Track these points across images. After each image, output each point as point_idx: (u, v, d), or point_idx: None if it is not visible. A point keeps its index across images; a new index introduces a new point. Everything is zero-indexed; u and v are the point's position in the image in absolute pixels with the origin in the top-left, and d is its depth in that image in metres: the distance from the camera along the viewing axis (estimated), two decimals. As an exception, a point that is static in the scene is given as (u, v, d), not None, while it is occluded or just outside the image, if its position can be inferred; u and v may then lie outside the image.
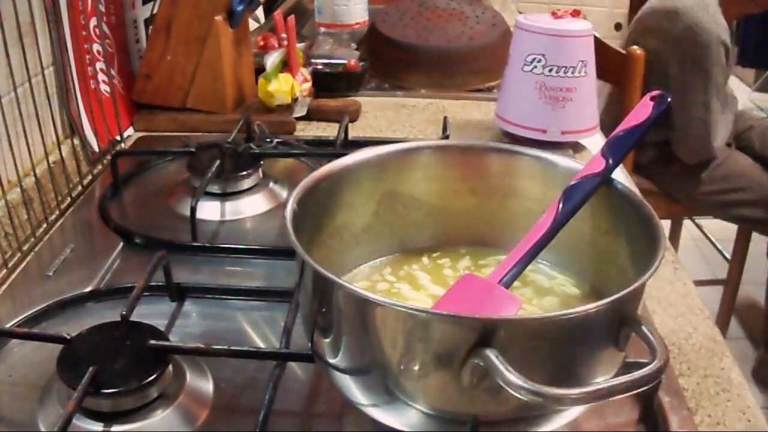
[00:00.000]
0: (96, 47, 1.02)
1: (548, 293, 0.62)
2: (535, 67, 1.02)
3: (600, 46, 1.15)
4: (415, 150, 0.66)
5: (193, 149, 0.96)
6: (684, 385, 0.65)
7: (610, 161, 0.59)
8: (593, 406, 0.59)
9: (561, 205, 0.58)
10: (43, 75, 0.90)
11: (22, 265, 0.80)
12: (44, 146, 0.90)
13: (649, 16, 1.98)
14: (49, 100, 0.91)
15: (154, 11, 1.14)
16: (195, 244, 0.82)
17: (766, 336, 2.13)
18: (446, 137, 1.05)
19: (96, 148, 1.01)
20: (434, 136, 1.12)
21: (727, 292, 2.20)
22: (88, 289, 0.74)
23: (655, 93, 0.61)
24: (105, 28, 1.05)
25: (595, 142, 1.10)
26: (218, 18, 1.09)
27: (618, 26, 2.86)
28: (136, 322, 0.64)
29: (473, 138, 1.12)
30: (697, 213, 2.25)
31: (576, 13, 1.06)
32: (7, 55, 0.82)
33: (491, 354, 0.44)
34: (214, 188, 0.90)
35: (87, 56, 1.00)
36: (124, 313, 0.63)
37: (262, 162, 0.95)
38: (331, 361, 0.52)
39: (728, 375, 0.66)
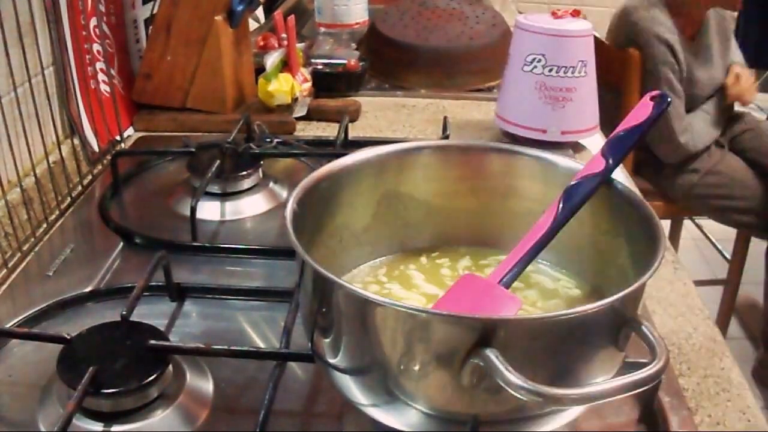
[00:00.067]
0: (96, 47, 1.02)
1: (554, 296, 0.62)
2: (535, 67, 1.02)
3: (600, 46, 1.15)
4: (415, 150, 0.66)
5: (193, 149, 0.96)
6: (684, 385, 0.65)
7: (610, 161, 0.59)
8: (593, 406, 0.59)
9: (561, 205, 0.58)
10: (43, 75, 0.90)
11: (22, 265, 0.80)
12: (44, 146, 0.90)
13: (614, 16, 2.01)
14: (49, 100, 0.91)
15: (154, 11, 1.14)
16: (195, 244, 0.82)
17: (766, 336, 2.13)
18: (446, 137, 1.05)
19: (96, 148, 1.01)
20: (434, 136, 1.12)
21: (727, 292, 2.20)
22: (88, 289, 0.74)
23: (654, 93, 0.61)
24: (105, 28, 1.05)
25: (595, 142, 1.10)
26: (218, 18, 1.09)
27: (618, 26, 2.86)
28: (136, 322, 0.64)
29: (473, 138, 1.12)
30: (696, 213, 2.25)
31: (576, 13, 1.06)
32: (7, 55, 0.82)
33: (491, 354, 0.44)
34: (214, 188, 0.90)
35: (87, 56, 1.00)
36: (124, 313, 0.63)
37: (262, 162, 0.95)
38: (331, 361, 0.52)
39: (728, 375, 0.66)
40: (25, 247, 0.82)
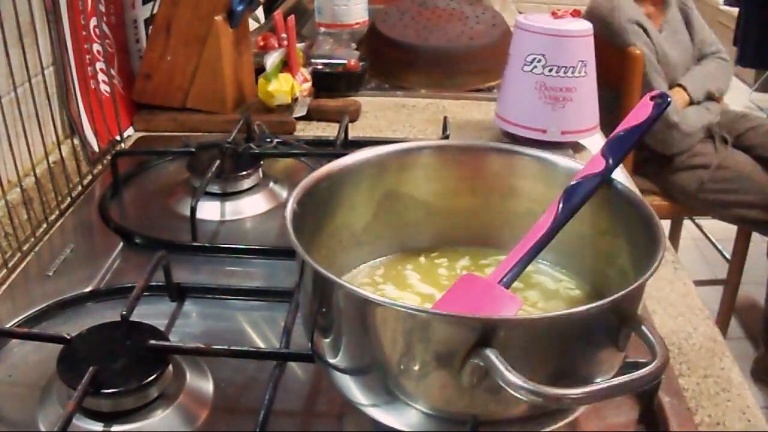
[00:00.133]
0: (96, 47, 1.02)
1: (554, 296, 0.62)
2: (535, 67, 1.02)
3: (600, 46, 1.15)
4: (415, 150, 0.66)
5: (193, 149, 0.96)
6: (684, 385, 0.65)
7: (610, 161, 0.59)
8: (593, 406, 0.59)
9: (561, 205, 0.58)
10: (43, 75, 0.90)
11: (22, 265, 0.80)
12: (44, 146, 0.90)
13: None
14: (49, 100, 0.91)
15: (154, 11, 1.14)
16: (195, 244, 0.82)
17: (766, 336, 2.13)
18: (446, 137, 1.05)
19: (96, 148, 1.01)
20: (434, 136, 1.12)
21: (727, 292, 2.20)
22: (88, 289, 0.74)
23: (655, 93, 0.61)
24: (105, 28, 1.05)
25: (595, 142, 1.10)
26: (218, 18, 1.09)
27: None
28: (136, 322, 0.64)
29: (473, 138, 1.12)
30: (696, 213, 2.25)
31: (576, 13, 1.06)
32: (7, 55, 0.82)
33: (491, 354, 0.44)
34: (214, 188, 0.90)
35: (87, 56, 1.00)
36: (124, 313, 0.63)
37: (262, 162, 0.95)
38: (331, 361, 0.52)
39: (728, 375, 0.66)
40: (25, 247, 0.82)
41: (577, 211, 0.58)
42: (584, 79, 1.03)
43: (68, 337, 0.62)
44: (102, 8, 1.04)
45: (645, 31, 1.92)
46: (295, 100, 1.15)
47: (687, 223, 2.41)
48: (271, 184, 0.95)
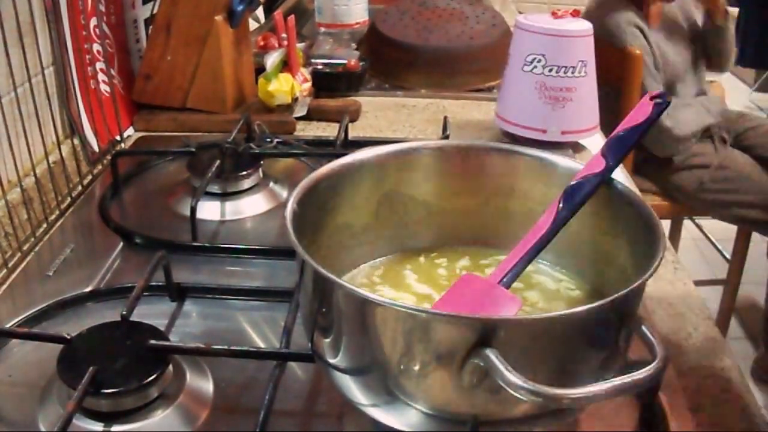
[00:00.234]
0: (96, 47, 1.02)
1: (554, 296, 0.62)
2: (535, 67, 1.02)
3: (600, 46, 1.15)
4: (415, 150, 0.66)
5: (193, 149, 0.96)
6: (684, 385, 0.65)
7: (610, 161, 0.59)
8: (593, 406, 0.59)
9: (561, 205, 0.58)
10: (43, 75, 0.90)
11: (22, 265, 0.80)
12: (44, 146, 0.90)
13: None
14: (49, 100, 0.91)
15: (154, 11, 1.14)
16: (195, 244, 0.82)
17: (766, 336, 2.13)
18: (446, 137, 1.05)
19: (96, 148, 1.01)
20: (434, 136, 1.12)
21: (727, 292, 2.20)
22: (88, 289, 0.74)
23: (654, 93, 0.61)
24: (105, 28, 1.05)
25: (595, 142, 1.10)
26: (218, 18, 1.09)
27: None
28: (136, 322, 0.64)
29: (473, 138, 1.12)
30: (696, 213, 2.25)
31: (576, 13, 1.06)
32: (7, 55, 0.82)
33: (491, 354, 0.44)
34: (214, 188, 0.90)
35: (87, 56, 1.00)
36: (124, 313, 0.63)
37: (262, 162, 0.95)
38: (331, 361, 0.52)
39: (728, 375, 0.66)
40: (25, 247, 0.82)
41: (577, 211, 0.58)
42: (584, 79, 1.03)
43: (68, 337, 0.62)
44: (102, 8, 1.04)
45: (643, 33, 1.92)
46: (295, 100, 1.15)
47: (687, 223, 2.41)
48: (271, 184, 0.95)
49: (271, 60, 1.12)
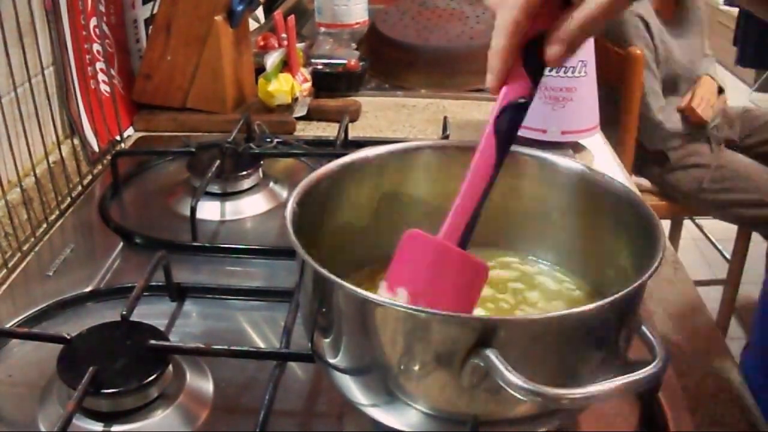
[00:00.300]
0: (96, 47, 1.02)
1: (554, 297, 0.62)
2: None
3: (600, 46, 1.15)
4: (415, 150, 0.66)
5: (193, 149, 0.96)
6: (684, 385, 0.65)
7: (538, 76, 0.52)
8: (593, 406, 0.59)
9: (496, 141, 0.53)
10: (43, 75, 0.90)
11: (22, 265, 0.80)
12: (44, 146, 0.90)
13: None
14: (49, 100, 0.91)
15: (154, 11, 1.14)
16: (195, 244, 0.82)
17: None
18: (446, 137, 1.05)
19: (96, 148, 1.01)
20: (434, 136, 1.12)
21: (727, 292, 2.20)
22: (88, 289, 0.74)
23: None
24: (105, 28, 1.05)
25: (595, 142, 1.10)
26: (218, 18, 1.09)
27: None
28: (136, 322, 0.64)
29: (473, 138, 1.12)
30: (696, 213, 2.25)
31: (576, 13, 1.06)
32: (7, 55, 0.82)
33: (491, 354, 0.44)
34: (214, 188, 0.90)
35: (87, 56, 1.00)
36: (124, 313, 0.63)
37: (262, 162, 0.95)
38: (331, 361, 0.52)
39: (728, 375, 0.66)
40: (25, 247, 0.82)
41: (513, 142, 0.53)
42: (584, 79, 1.03)
43: (68, 337, 0.62)
44: (102, 8, 1.04)
45: (647, 26, 1.90)
46: (295, 100, 1.15)
47: (687, 223, 2.41)
48: (271, 184, 0.95)
49: (271, 60, 1.12)
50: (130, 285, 0.68)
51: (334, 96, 1.22)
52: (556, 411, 0.50)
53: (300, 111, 1.14)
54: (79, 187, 0.95)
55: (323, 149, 1.04)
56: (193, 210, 0.82)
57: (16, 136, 0.84)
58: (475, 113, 1.23)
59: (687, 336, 0.71)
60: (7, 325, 0.69)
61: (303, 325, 0.56)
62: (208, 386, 0.62)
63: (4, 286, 0.76)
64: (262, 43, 1.22)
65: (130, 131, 1.12)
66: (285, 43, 1.15)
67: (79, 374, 0.57)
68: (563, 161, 0.63)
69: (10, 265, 0.79)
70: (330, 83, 1.24)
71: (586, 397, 0.44)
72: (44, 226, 0.86)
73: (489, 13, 1.40)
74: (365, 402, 0.52)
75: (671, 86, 1.99)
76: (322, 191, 0.60)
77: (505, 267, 0.64)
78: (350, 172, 0.62)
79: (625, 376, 0.44)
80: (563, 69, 1.02)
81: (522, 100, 0.52)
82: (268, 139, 1.03)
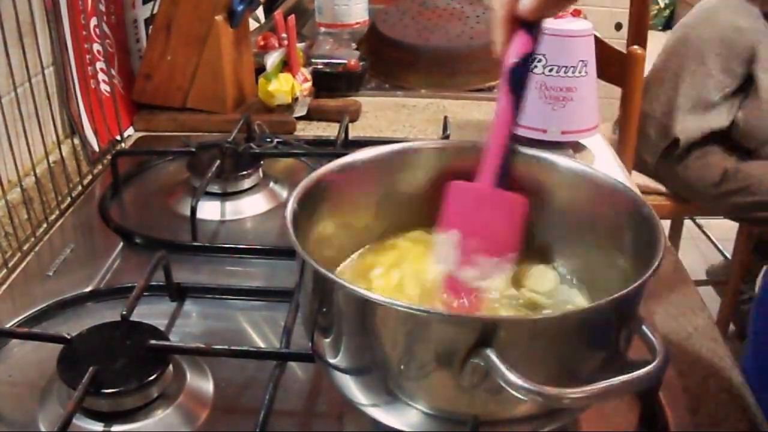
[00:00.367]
0: (96, 47, 1.02)
1: (554, 296, 0.61)
2: (536, 66, 1.02)
3: (600, 46, 1.15)
4: (415, 150, 0.66)
5: (193, 149, 0.96)
6: (684, 385, 0.65)
7: (535, 35, 0.60)
8: (593, 406, 0.59)
9: (511, 92, 0.61)
10: (43, 75, 0.90)
11: (22, 265, 0.80)
12: (44, 146, 0.90)
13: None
14: (49, 100, 0.91)
15: (154, 11, 1.14)
16: (195, 244, 0.82)
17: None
18: (446, 137, 1.05)
19: (96, 148, 1.01)
20: (434, 136, 1.12)
21: (727, 292, 2.19)
22: (88, 289, 0.74)
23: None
24: (105, 27, 1.05)
25: (596, 142, 1.10)
26: (218, 18, 1.09)
27: (618, 26, 2.85)
28: (136, 322, 0.64)
29: (473, 138, 1.12)
30: (701, 212, 2.23)
31: (576, 13, 1.06)
32: (7, 55, 0.82)
33: (491, 354, 0.44)
34: (214, 188, 0.90)
35: (87, 56, 1.00)
36: (124, 313, 0.63)
37: (262, 162, 0.95)
38: (331, 361, 0.52)
39: (728, 375, 0.66)
40: (25, 247, 0.82)
41: (525, 91, 0.61)
42: (584, 79, 1.03)
43: (68, 337, 0.62)
44: (102, 8, 1.04)
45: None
46: (295, 99, 1.15)
47: (687, 223, 2.40)
48: (271, 184, 0.95)
49: (271, 60, 1.12)
50: (130, 285, 0.69)
51: (334, 96, 1.22)
52: (556, 411, 0.50)
53: (300, 111, 1.14)
54: (79, 187, 0.95)
55: (323, 149, 1.04)
56: (193, 210, 0.82)
57: (16, 136, 0.84)
58: (475, 113, 1.23)
59: (687, 336, 0.71)
60: (7, 325, 0.69)
61: (303, 325, 0.56)
62: (208, 386, 0.62)
63: (4, 286, 0.76)
64: (262, 43, 1.22)
65: (130, 131, 1.12)
66: (285, 43, 1.15)
67: (79, 374, 0.57)
68: (563, 161, 0.63)
69: (10, 265, 0.79)
70: (330, 83, 1.24)
71: (586, 397, 0.44)
72: (44, 226, 0.86)
73: (489, 13, 1.40)
74: (365, 402, 0.52)
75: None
76: (322, 191, 0.60)
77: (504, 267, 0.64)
78: (350, 172, 0.62)
79: (625, 376, 0.44)
80: (563, 69, 1.02)
81: (525, 55, 0.60)
82: (268, 139, 1.03)
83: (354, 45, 1.38)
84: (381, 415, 0.52)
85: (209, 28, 1.09)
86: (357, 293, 0.48)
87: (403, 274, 0.61)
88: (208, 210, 0.88)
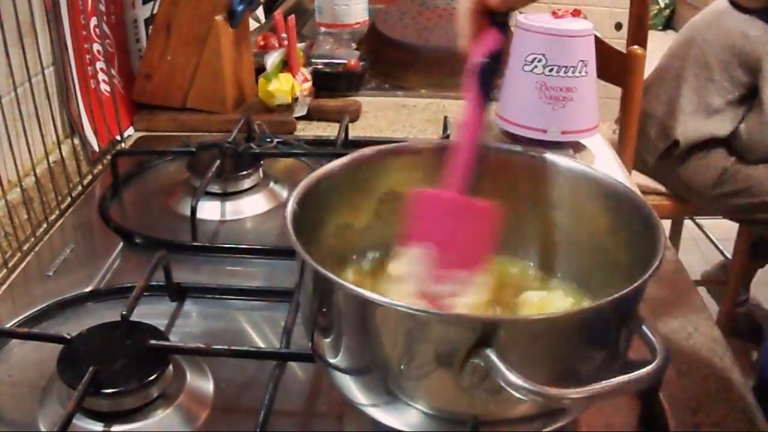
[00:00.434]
0: (96, 47, 1.02)
1: (554, 296, 0.61)
2: (536, 66, 1.02)
3: (600, 45, 1.15)
4: (415, 150, 0.66)
5: (193, 149, 0.96)
6: (684, 385, 0.65)
7: (504, 29, 0.58)
8: (593, 406, 0.59)
9: (479, 93, 0.58)
10: (43, 75, 0.90)
11: (22, 265, 0.80)
12: (44, 146, 0.90)
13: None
14: (49, 100, 0.91)
15: (154, 11, 1.14)
16: (195, 244, 0.82)
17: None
18: (446, 137, 1.05)
19: (96, 148, 1.01)
20: (434, 136, 1.12)
21: (727, 292, 2.19)
22: (88, 289, 0.74)
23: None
24: (105, 27, 1.05)
25: (596, 142, 1.10)
26: (218, 18, 1.09)
27: (618, 26, 2.85)
28: (136, 322, 0.64)
29: (473, 138, 1.12)
30: (708, 213, 2.23)
31: (576, 13, 1.06)
32: (7, 55, 0.82)
33: (492, 354, 0.44)
34: (214, 188, 0.90)
35: (87, 56, 1.00)
36: (124, 313, 0.63)
37: (262, 162, 0.95)
38: (331, 361, 0.52)
39: (728, 375, 0.66)
40: (25, 247, 0.82)
41: (493, 91, 0.58)
42: (584, 79, 1.03)
43: (68, 337, 0.62)
44: (102, 8, 1.04)
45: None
46: (295, 99, 1.15)
47: (687, 223, 2.40)
48: (271, 184, 0.95)
49: (271, 60, 1.12)
50: (130, 285, 0.69)
51: (334, 96, 1.22)
52: (556, 411, 0.50)
53: (300, 111, 1.14)
54: (79, 187, 0.95)
55: (323, 149, 1.04)
56: (193, 210, 0.82)
57: (16, 136, 0.84)
58: (475, 113, 1.23)
59: (687, 336, 0.71)
60: (7, 325, 0.69)
61: (303, 325, 0.56)
62: (208, 386, 0.62)
63: (4, 286, 0.76)
64: (262, 43, 1.22)
65: (130, 131, 1.12)
66: (285, 43, 1.15)
67: (79, 374, 0.57)
68: (563, 161, 0.63)
69: (10, 265, 0.79)
70: (330, 83, 1.24)
71: (586, 397, 0.44)
72: (44, 226, 0.86)
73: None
74: (365, 402, 0.52)
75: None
76: (322, 191, 0.60)
77: (503, 267, 0.64)
78: (350, 172, 0.62)
79: (625, 376, 0.44)
80: (563, 69, 1.02)
81: (495, 52, 0.58)
82: (268, 139, 1.03)
83: (354, 45, 1.38)
84: (381, 415, 0.52)
85: (209, 28, 1.09)
86: (357, 293, 0.48)
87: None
88: (208, 210, 0.88)
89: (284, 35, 1.15)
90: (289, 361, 0.63)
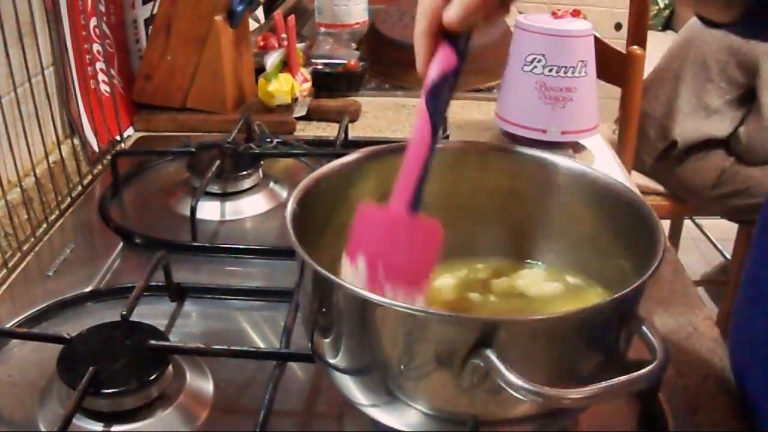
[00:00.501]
0: (96, 47, 1.02)
1: (556, 297, 0.62)
2: (535, 67, 1.02)
3: (600, 46, 1.15)
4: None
5: (193, 149, 0.96)
6: (684, 385, 0.65)
7: (461, 50, 0.56)
8: (593, 406, 0.59)
9: (430, 110, 0.58)
10: (43, 75, 0.90)
11: (22, 265, 0.80)
12: (44, 146, 0.90)
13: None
14: (49, 100, 0.91)
15: (154, 11, 1.14)
16: (195, 244, 0.82)
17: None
18: (446, 137, 1.05)
19: (96, 148, 1.01)
20: (434, 136, 1.12)
21: (727, 292, 2.20)
22: (88, 289, 0.74)
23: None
24: (105, 28, 1.05)
25: (596, 142, 1.10)
26: (218, 18, 1.09)
27: (618, 26, 2.86)
28: (136, 322, 0.64)
29: (473, 138, 1.12)
30: (707, 213, 2.23)
31: (576, 13, 1.06)
32: (7, 55, 0.82)
33: (491, 354, 0.44)
34: (214, 188, 0.90)
35: (87, 56, 1.00)
36: (124, 313, 0.63)
37: (262, 162, 0.95)
38: (331, 361, 0.52)
39: (728, 375, 0.66)
40: (25, 247, 0.82)
41: (446, 109, 0.57)
42: (584, 79, 1.03)
43: (68, 337, 0.62)
44: (102, 8, 1.04)
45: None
46: (295, 100, 1.15)
47: (687, 223, 2.40)
48: (271, 184, 0.95)
49: (271, 60, 1.12)
50: (130, 285, 0.69)
51: (334, 96, 1.22)
52: (556, 411, 0.50)
53: (300, 111, 1.14)
54: (79, 187, 0.95)
55: (323, 149, 1.04)
56: (193, 210, 0.82)
57: (16, 136, 0.84)
58: (475, 113, 1.23)
59: (687, 336, 0.71)
60: (7, 325, 0.69)
61: (303, 325, 0.56)
62: (208, 386, 0.62)
63: (4, 286, 0.76)
64: (262, 43, 1.22)
65: (130, 131, 1.12)
66: (285, 43, 1.15)
67: (79, 374, 0.57)
68: (563, 161, 0.63)
69: (10, 265, 0.79)
70: (330, 83, 1.24)
71: (586, 397, 0.44)
72: (44, 226, 0.86)
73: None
74: (365, 402, 0.52)
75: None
76: (322, 191, 0.60)
77: (503, 267, 0.64)
78: (350, 172, 0.62)
79: (625, 376, 0.44)
80: (563, 69, 1.02)
81: (450, 73, 0.57)
82: (268, 139, 1.03)
83: (354, 45, 1.38)
84: (381, 415, 0.52)
85: (209, 28, 1.09)
86: (357, 293, 0.48)
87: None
88: (208, 210, 0.88)
89: (284, 35, 1.15)
90: (289, 361, 0.63)
